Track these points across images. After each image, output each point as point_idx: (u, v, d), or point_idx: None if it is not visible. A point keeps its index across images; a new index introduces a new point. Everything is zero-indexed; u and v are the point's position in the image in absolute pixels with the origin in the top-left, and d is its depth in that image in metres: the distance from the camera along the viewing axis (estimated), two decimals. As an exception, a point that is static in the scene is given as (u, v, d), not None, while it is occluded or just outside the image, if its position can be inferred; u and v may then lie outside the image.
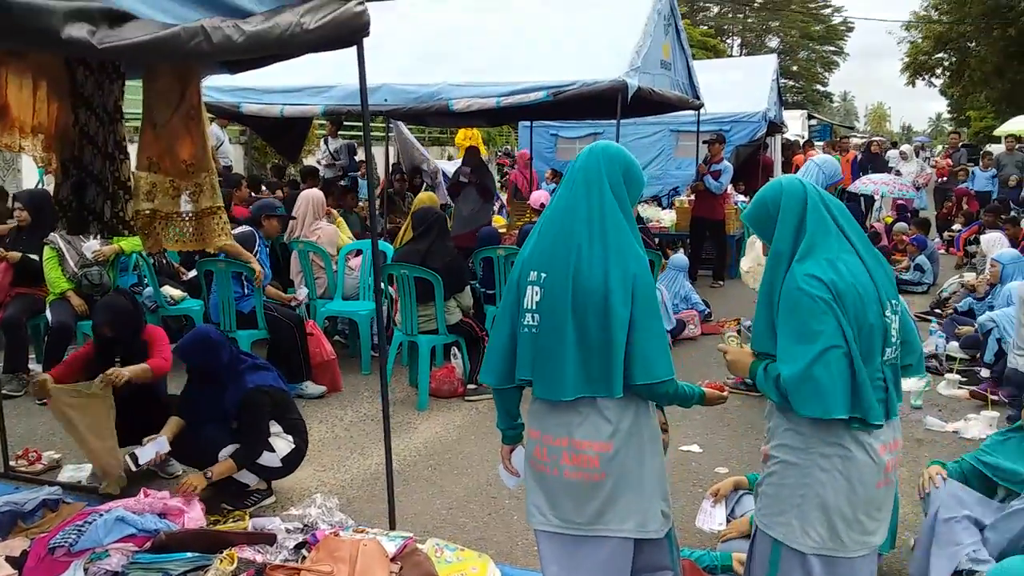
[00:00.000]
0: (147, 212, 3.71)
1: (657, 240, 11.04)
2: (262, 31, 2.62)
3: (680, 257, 9.07)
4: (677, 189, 13.30)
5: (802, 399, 2.29)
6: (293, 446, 4.35)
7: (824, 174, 5.42)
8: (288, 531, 3.68)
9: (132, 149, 3.95)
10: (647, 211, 11.74)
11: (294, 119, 8.35)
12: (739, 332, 7.71)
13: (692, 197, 10.99)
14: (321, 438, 5.36)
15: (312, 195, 7.45)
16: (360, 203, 10.09)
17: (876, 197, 13.11)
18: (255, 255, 6.12)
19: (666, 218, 11.67)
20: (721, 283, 10.69)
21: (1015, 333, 5.81)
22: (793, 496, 2.41)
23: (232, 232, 5.99)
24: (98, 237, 5.44)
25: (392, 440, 3.90)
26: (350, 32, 3.05)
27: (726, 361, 2.65)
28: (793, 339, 2.31)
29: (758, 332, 2.50)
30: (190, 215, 3.72)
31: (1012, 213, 12.49)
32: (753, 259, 5.60)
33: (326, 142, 12.08)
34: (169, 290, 6.78)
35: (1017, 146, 15.77)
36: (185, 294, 6.87)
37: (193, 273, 7.09)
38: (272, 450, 4.24)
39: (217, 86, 7.81)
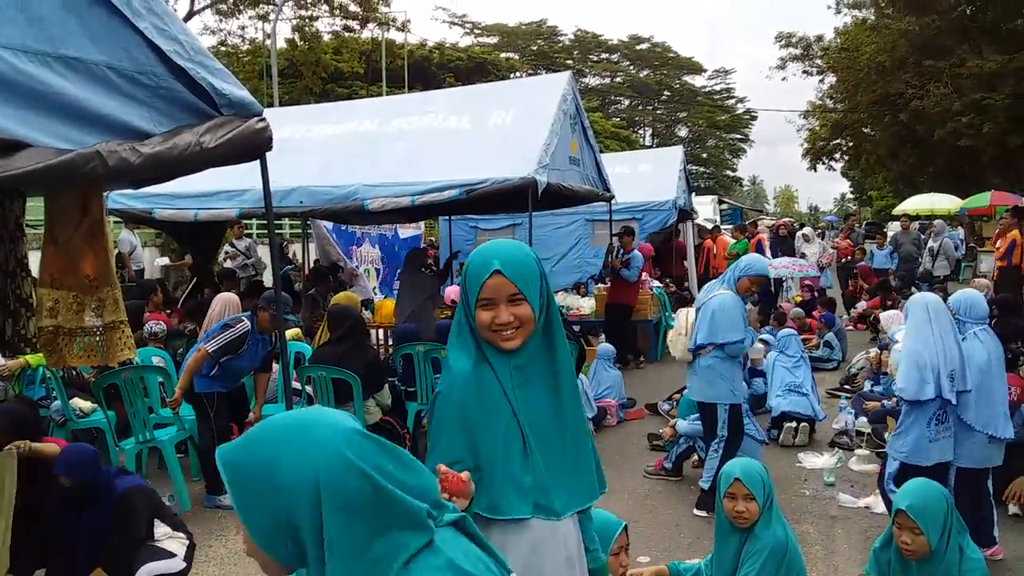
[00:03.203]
0: (50, 328, 3.65)
1: (579, 328, 11.21)
2: (160, 152, 2.67)
3: (605, 346, 9.23)
4: (594, 276, 13.56)
5: None
6: (188, 542, 4.25)
7: (737, 266, 5.72)
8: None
9: (35, 256, 3.88)
10: (567, 300, 11.93)
11: (208, 223, 8.33)
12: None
13: (608, 284, 11.26)
14: (238, 549, 5.20)
15: (227, 299, 7.37)
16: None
17: (782, 279, 13.65)
18: (243, 350, 5.98)
19: (586, 305, 11.88)
20: (641, 365, 10.87)
21: None
22: None
23: (228, 320, 5.94)
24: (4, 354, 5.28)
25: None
26: (253, 147, 3.13)
27: None
28: None
29: None
30: (93, 329, 3.67)
31: (912, 289, 13.13)
32: (676, 330, 5.85)
33: (232, 245, 12.06)
34: (78, 402, 6.57)
35: (915, 225, 16.67)
36: (95, 406, 6.66)
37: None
38: (172, 554, 4.11)
39: (128, 192, 7.77)
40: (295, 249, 16.90)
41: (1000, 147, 25.42)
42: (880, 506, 5.62)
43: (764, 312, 11.66)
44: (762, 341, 9.10)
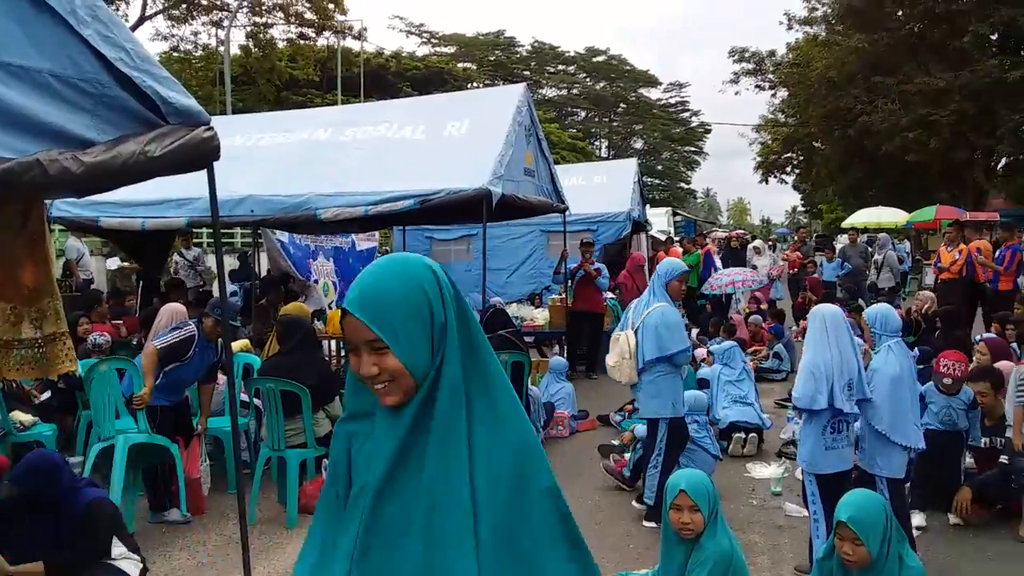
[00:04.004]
0: (-14, 340, 3.56)
1: (533, 338, 11.24)
2: (103, 161, 2.63)
3: (558, 360, 9.27)
4: (550, 287, 13.60)
5: None
6: (141, 565, 4.16)
7: (658, 275, 5.81)
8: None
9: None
10: (521, 310, 11.95)
11: (156, 231, 8.19)
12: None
13: (564, 296, 11.30)
14: (181, 566, 5.11)
15: (174, 309, 7.24)
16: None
17: (733, 289, 13.85)
18: (189, 358, 5.89)
19: (540, 316, 11.91)
20: (594, 376, 10.94)
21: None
22: None
23: (176, 324, 5.84)
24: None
25: (257, 563, 3.78)
26: (199, 156, 3.09)
27: None
28: None
29: None
30: (32, 341, 3.59)
31: (859, 302, 13.38)
32: (618, 354, 5.80)
33: (180, 255, 11.90)
34: (19, 415, 6.40)
35: (862, 238, 17.03)
36: (36, 419, 6.50)
37: (46, 396, 6.74)
38: (125, 575, 4.02)
39: (74, 199, 7.61)
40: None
41: (946, 162, 26.15)
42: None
43: (716, 324, 11.83)
44: (707, 351, 9.22)
